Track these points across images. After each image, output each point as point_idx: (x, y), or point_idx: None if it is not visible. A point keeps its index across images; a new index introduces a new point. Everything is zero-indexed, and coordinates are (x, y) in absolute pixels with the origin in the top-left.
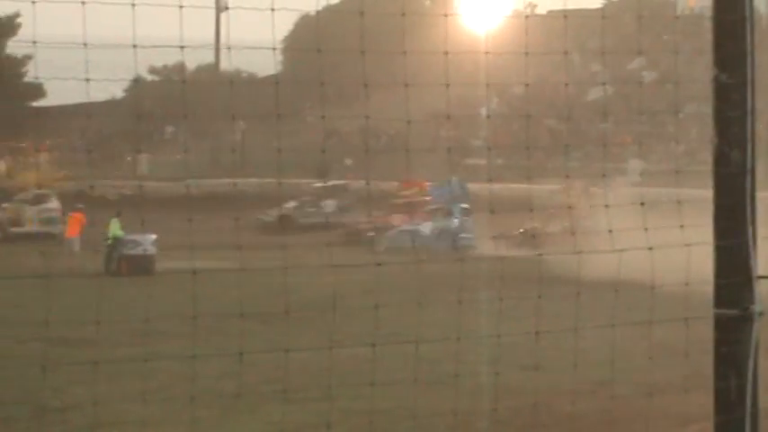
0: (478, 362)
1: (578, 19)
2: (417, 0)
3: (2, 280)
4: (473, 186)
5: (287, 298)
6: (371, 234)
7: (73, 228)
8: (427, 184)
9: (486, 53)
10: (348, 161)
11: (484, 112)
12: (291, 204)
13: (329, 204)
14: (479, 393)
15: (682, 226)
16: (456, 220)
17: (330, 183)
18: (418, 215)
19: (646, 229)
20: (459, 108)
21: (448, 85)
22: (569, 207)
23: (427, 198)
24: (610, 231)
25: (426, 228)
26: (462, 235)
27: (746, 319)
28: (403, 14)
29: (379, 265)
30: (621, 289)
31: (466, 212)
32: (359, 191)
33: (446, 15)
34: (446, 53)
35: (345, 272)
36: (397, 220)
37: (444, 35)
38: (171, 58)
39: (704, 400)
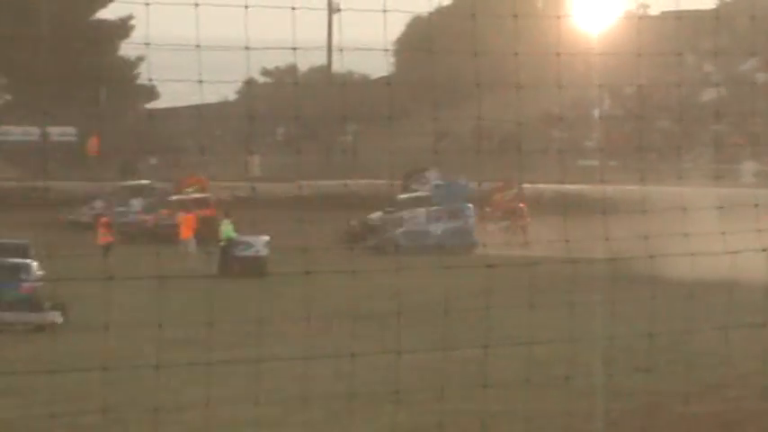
0: (591, 363)
1: (691, 20)
2: (529, 1)
3: (117, 281)
4: (586, 188)
5: (399, 300)
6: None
7: (186, 229)
8: (207, 181)
9: (599, 54)
10: (153, 160)
11: (596, 113)
12: (99, 204)
13: (136, 203)
14: (592, 395)
15: None
16: (468, 220)
17: (134, 182)
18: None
19: (759, 231)
20: (571, 109)
21: (560, 87)
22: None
23: (206, 195)
24: (722, 233)
25: (438, 228)
26: (473, 235)
27: None
28: (515, 16)
29: (490, 266)
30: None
31: (472, 212)
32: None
33: (558, 17)
34: (558, 54)
35: (454, 274)
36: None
37: (557, 37)
38: (283, 60)
39: None
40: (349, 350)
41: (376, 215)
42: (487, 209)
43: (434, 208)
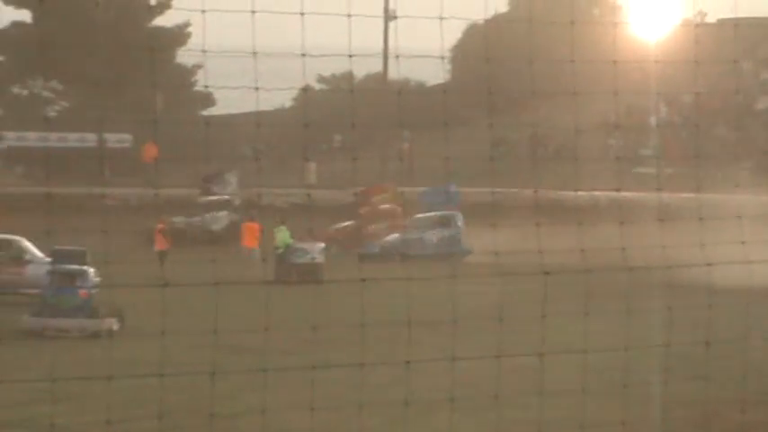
0: (648, 371)
1: (748, 27)
2: (586, 9)
3: (174, 287)
4: (641, 195)
5: (454, 307)
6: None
7: (249, 238)
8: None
9: (656, 62)
10: None
11: (653, 120)
12: None
13: None
14: (649, 403)
15: None
16: (459, 228)
17: None
18: None
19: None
20: (627, 117)
21: (616, 94)
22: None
23: None
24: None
25: (433, 236)
26: (464, 243)
27: None
28: (571, 23)
29: (548, 273)
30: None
31: (462, 220)
32: None
33: (615, 24)
34: (615, 62)
35: (512, 281)
36: None
37: (613, 44)
38: (339, 67)
39: None
40: (404, 357)
41: (179, 219)
42: (363, 210)
43: (424, 215)
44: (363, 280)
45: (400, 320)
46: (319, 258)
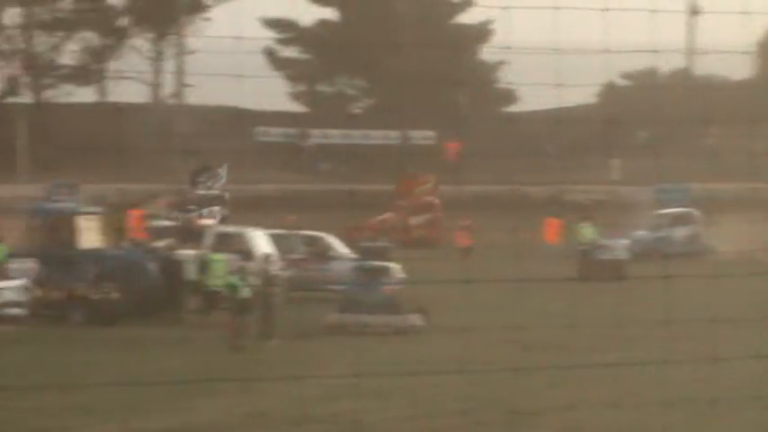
0: None
1: None
2: None
3: (477, 284)
4: None
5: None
6: None
7: (551, 233)
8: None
9: None
10: None
11: None
12: None
13: None
14: None
15: None
16: (698, 225)
17: None
18: None
19: None
20: None
21: None
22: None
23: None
24: None
25: (678, 233)
26: (704, 240)
27: None
28: None
29: None
30: None
31: (700, 217)
32: None
33: None
34: None
35: None
36: None
37: None
38: (643, 63)
39: None
40: (710, 354)
41: (176, 213)
42: (404, 201)
43: (665, 212)
44: (666, 277)
45: (703, 317)
46: (623, 255)
